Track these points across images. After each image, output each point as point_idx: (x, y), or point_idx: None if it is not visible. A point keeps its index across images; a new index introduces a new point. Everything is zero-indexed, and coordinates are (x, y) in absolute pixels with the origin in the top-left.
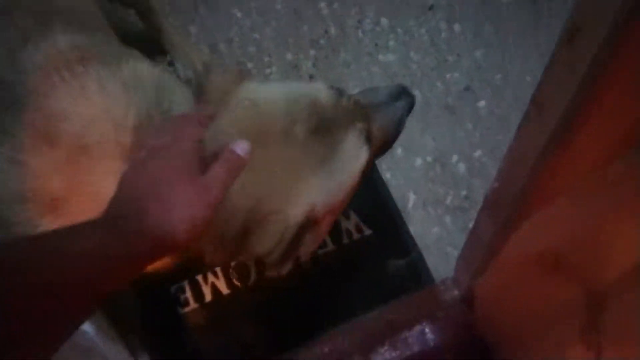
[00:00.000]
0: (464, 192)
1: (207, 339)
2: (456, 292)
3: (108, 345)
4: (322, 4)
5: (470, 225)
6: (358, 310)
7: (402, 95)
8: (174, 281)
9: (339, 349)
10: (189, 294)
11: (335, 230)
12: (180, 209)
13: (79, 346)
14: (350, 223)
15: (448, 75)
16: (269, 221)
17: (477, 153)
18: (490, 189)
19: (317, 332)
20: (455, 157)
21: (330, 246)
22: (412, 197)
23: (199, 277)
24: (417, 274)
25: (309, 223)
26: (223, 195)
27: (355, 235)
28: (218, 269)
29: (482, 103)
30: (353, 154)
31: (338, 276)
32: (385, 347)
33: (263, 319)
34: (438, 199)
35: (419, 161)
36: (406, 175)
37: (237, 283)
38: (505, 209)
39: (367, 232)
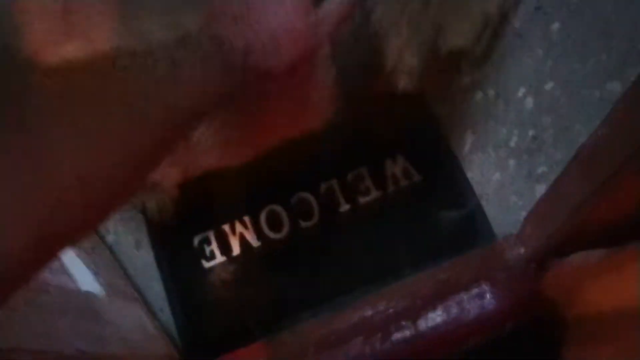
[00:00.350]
0: (531, 132)
1: (234, 296)
2: (522, 251)
3: (121, 307)
4: None
5: (539, 170)
6: (405, 270)
7: None
8: (198, 231)
9: (382, 313)
10: (214, 245)
11: (379, 175)
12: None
13: (88, 311)
14: (397, 167)
15: None
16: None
17: (549, 85)
18: (592, 136)
19: (357, 294)
20: (521, 91)
21: (373, 193)
22: (470, 138)
23: (226, 227)
24: (475, 227)
25: None
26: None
27: (403, 182)
28: (247, 218)
29: (555, 25)
30: None
31: (382, 229)
32: (437, 312)
33: (296, 277)
34: (500, 139)
35: (479, 95)
36: (463, 112)
37: (270, 234)
38: (611, 166)
39: (417, 177)
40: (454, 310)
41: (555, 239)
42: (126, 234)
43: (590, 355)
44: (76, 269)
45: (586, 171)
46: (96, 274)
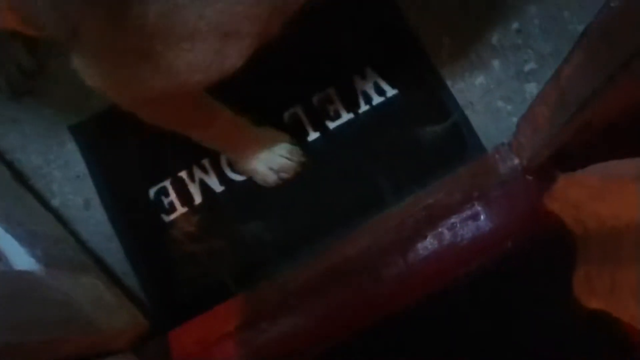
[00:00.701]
0: (514, 25)
1: (202, 249)
2: (516, 162)
3: (67, 281)
4: None
5: (527, 68)
6: (388, 198)
7: None
8: (152, 182)
9: (368, 250)
10: (173, 196)
11: (348, 94)
12: None
13: (20, 294)
14: (368, 83)
15: None
16: None
17: None
18: (601, 13)
19: (338, 232)
20: None
21: (345, 116)
22: (446, 41)
23: (183, 174)
24: (461, 141)
25: None
26: None
27: (376, 99)
28: (207, 161)
29: None
30: None
31: (358, 156)
32: (428, 240)
33: (267, 221)
34: (481, 36)
35: None
36: (436, 11)
37: (233, 176)
38: (626, 48)
39: (391, 92)
40: (447, 237)
41: (554, 146)
42: (73, 195)
43: (607, 277)
44: (6, 246)
45: (596, 56)
46: (33, 247)
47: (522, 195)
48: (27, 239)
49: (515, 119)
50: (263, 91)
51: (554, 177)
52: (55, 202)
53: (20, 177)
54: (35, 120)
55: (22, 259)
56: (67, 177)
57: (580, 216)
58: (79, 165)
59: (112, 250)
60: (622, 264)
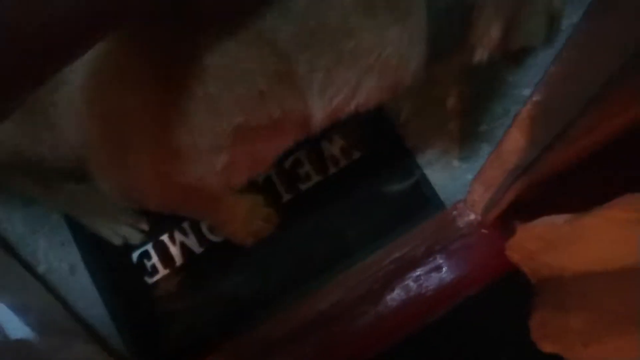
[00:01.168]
0: (468, 90)
1: (184, 307)
2: (472, 217)
3: (61, 346)
4: None
5: (480, 129)
6: (357, 252)
7: None
8: (135, 246)
9: (341, 302)
10: (155, 259)
11: (318, 159)
12: None
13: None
14: (335, 147)
15: None
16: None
17: None
18: (528, 100)
19: (311, 284)
20: None
21: (314, 178)
22: (405, 104)
23: (165, 238)
24: (422, 198)
25: None
26: None
27: (343, 162)
28: (187, 225)
29: None
30: None
31: (328, 214)
32: (396, 292)
33: (245, 276)
34: (438, 101)
35: None
36: None
37: (212, 237)
38: (550, 129)
39: (356, 155)
40: (413, 288)
41: (503, 203)
42: (59, 261)
43: (558, 323)
44: (1, 316)
45: (526, 135)
46: (26, 316)
47: (479, 247)
48: (21, 308)
49: (470, 176)
50: None
51: (512, 229)
52: (41, 269)
53: (6, 246)
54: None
55: (17, 328)
56: (52, 244)
57: (535, 266)
58: (64, 232)
59: (98, 313)
60: (568, 312)
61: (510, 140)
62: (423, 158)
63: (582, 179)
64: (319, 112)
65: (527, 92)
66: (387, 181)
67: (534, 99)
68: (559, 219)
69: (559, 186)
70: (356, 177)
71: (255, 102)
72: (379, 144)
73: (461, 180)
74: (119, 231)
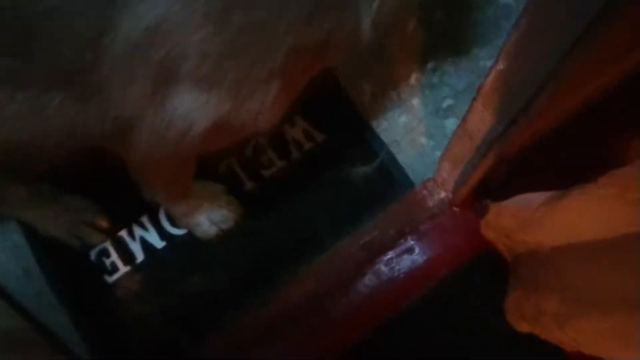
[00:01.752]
0: (430, 64)
1: (149, 307)
2: (443, 195)
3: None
4: None
5: (445, 104)
6: (326, 240)
7: None
8: (91, 246)
9: (313, 293)
10: (114, 256)
11: (279, 143)
12: None
13: None
14: (297, 130)
15: None
16: None
17: (438, 14)
18: (490, 70)
19: (281, 277)
20: (411, 23)
21: (277, 164)
22: (367, 86)
23: (123, 233)
24: (390, 178)
25: None
26: None
27: (306, 145)
28: (145, 219)
29: None
30: None
31: (294, 201)
32: (368, 277)
33: (210, 272)
34: (398, 79)
35: None
36: (355, 60)
37: (173, 230)
38: (514, 102)
39: (320, 137)
40: (385, 272)
41: (473, 180)
42: (10, 265)
43: (533, 304)
44: None
45: (490, 108)
46: None
47: (451, 226)
48: None
49: (438, 153)
50: None
51: (484, 207)
52: None
53: None
54: None
55: None
56: (4, 247)
57: (511, 244)
58: (15, 235)
59: (57, 318)
60: (543, 293)
61: (475, 115)
62: (388, 137)
63: (551, 155)
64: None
65: (488, 63)
66: (353, 163)
67: (498, 67)
68: (536, 198)
69: (528, 162)
70: (321, 160)
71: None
72: (343, 125)
73: (430, 158)
74: (77, 233)
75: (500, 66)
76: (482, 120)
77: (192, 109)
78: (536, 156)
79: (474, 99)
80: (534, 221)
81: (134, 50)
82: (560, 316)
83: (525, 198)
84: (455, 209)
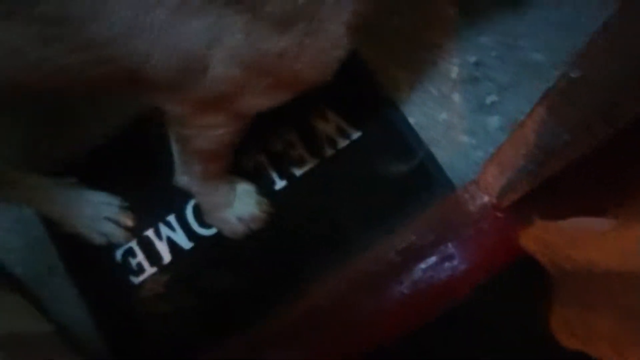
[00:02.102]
0: (472, 58)
1: (174, 309)
2: (486, 199)
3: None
4: None
5: (488, 100)
6: (358, 243)
7: None
8: (118, 244)
9: (342, 296)
10: (141, 257)
11: (311, 139)
12: None
13: None
14: (331, 126)
15: None
16: None
17: (483, 1)
18: (562, 77)
19: (309, 278)
20: (452, 10)
21: (310, 162)
22: (403, 77)
23: (150, 233)
24: (429, 178)
25: None
26: None
27: (341, 142)
28: (172, 218)
29: None
30: None
31: (327, 200)
32: (403, 283)
33: (239, 274)
34: (440, 71)
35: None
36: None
37: (201, 231)
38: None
39: (355, 134)
40: (422, 279)
41: (521, 190)
42: (35, 262)
43: (584, 323)
44: None
45: (556, 115)
46: None
47: (494, 233)
48: None
49: (480, 153)
50: None
51: (528, 216)
52: (17, 272)
53: None
54: None
55: None
56: (27, 244)
57: (556, 258)
58: (38, 231)
59: (79, 318)
60: (596, 311)
61: (537, 121)
62: (427, 135)
63: (628, 172)
64: None
65: (538, 57)
66: (390, 162)
67: (571, 75)
68: (594, 224)
69: (594, 177)
70: (355, 158)
71: None
72: (379, 121)
73: (471, 157)
74: (100, 229)
75: (576, 73)
76: (545, 128)
77: (205, 36)
78: (605, 171)
79: (537, 104)
80: (585, 239)
81: None
82: (617, 341)
83: (579, 222)
84: (498, 214)
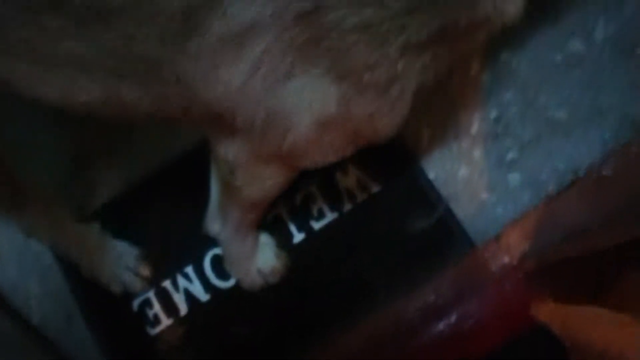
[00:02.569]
0: (493, 114)
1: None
2: (506, 260)
3: None
4: None
5: (508, 157)
6: (377, 298)
7: None
8: (135, 294)
9: (361, 352)
10: (157, 308)
11: (332, 193)
12: None
13: None
14: (351, 180)
15: None
16: None
17: (504, 55)
18: (595, 172)
19: (327, 333)
20: (475, 67)
21: (329, 216)
22: (424, 132)
23: (167, 284)
24: (449, 234)
25: None
26: None
27: (360, 196)
28: (190, 269)
29: None
30: None
31: (344, 255)
32: (422, 340)
33: (256, 328)
34: (460, 127)
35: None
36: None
37: (218, 283)
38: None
39: (375, 188)
40: (441, 337)
41: (544, 260)
42: (54, 311)
43: None
44: None
45: (586, 202)
46: None
47: (514, 293)
48: None
49: (500, 210)
50: None
51: (546, 286)
52: (35, 320)
53: None
54: (9, 231)
55: None
56: (46, 292)
57: (570, 333)
58: (58, 278)
59: None
60: None
61: (567, 201)
62: (447, 190)
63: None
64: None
65: (559, 114)
66: (409, 217)
67: (603, 173)
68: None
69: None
70: (375, 213)
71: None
72: (399, 175)
73: (491, 214)
74: (120, 278)
75: (607, 172)
76: (574, 209)
77: (297, 99)
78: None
79: (571, 185)
80: (602, 321)
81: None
82: None
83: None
84: (519, 275)
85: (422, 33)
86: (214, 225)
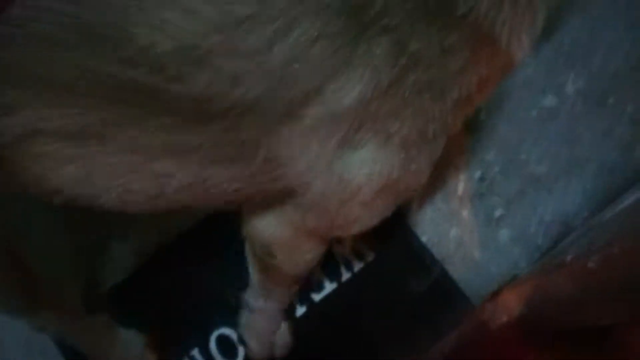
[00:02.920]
0: (477, 173)
1: None
2: (504, 319)
3: None
4: None
5: (496, 214)
6: None
7: None
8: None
9: None
10: None
11: (330, 264)
12: None
13: None
14: (345, 248)
15: None
16: None
17: (482, 115)
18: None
19: None
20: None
21: (328, 287)
22: (415, 195)
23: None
24: (445, 296)
25: None
26: None
27: (357, 265)
28: (196, 352)
29: None
30: None
31: (345, 324)
32: None
33: None
34: (447, 189)
35: None
36: None
37: None
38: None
39: (370, 256)
40: None
41: (542, 325)
42: None
43: None
44: None
45: (578, 284)
46: None
47: (515, 351)
48: None
49: (493, 267)
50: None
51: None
52: None
53: None
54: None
55: None
56: None
57: None
58: None
59: None
60: None
61: (558, 281)
62: (440, 252)
63: None
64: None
65: (540, 168)
66: (407, 281)
67: (589, 265)
68: None
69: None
70: (372, 280)
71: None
72: (392, 241)
73: (485, 271)
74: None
75: (592, 265)
76: (565, 290)
77: (366, 167)
78: None
79: (561, 265)
80: None
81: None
82: None
83: None
84: (516, 332)
85: (471, 86)
86: (258, 301)
